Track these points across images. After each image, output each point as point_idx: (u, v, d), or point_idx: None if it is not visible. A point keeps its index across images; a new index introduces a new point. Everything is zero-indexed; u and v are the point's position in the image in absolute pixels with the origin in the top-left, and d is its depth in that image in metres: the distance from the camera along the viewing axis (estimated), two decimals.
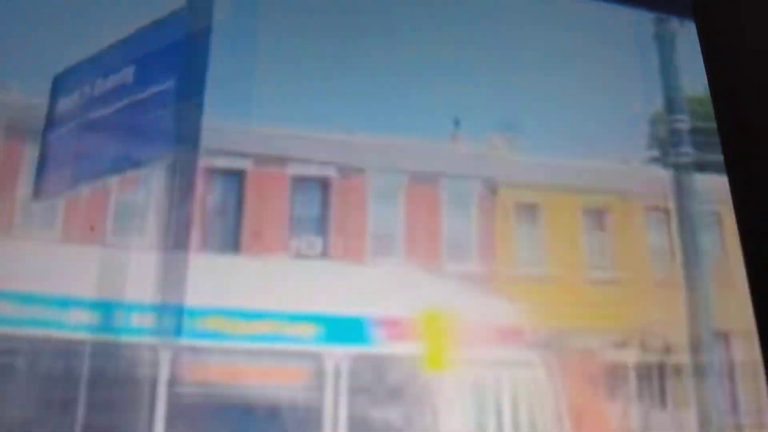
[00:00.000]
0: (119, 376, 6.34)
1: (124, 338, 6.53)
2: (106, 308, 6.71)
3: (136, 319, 6.71)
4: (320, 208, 10.00)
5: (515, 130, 9.75)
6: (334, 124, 9.93)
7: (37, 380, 6.26)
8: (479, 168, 9.67)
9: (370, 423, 6.56)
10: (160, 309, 6.77)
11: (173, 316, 6.68)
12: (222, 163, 10.26)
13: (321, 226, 9.87)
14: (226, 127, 10.30)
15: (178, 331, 6.66)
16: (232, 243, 9.75)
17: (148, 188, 10.17)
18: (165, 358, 6.45)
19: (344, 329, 6.89)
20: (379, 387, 6.63)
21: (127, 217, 10.02)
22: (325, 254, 9.66)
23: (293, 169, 10.14)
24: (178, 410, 6.24)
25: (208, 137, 10.45)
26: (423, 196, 9.72)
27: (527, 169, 9.59)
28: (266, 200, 9.97)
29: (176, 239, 9.96)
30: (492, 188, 9.60)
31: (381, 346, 6.88)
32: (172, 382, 6.43)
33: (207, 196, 10.13)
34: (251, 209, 9.97)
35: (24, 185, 10.20)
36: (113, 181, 10.14)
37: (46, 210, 9.95)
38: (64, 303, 6.82)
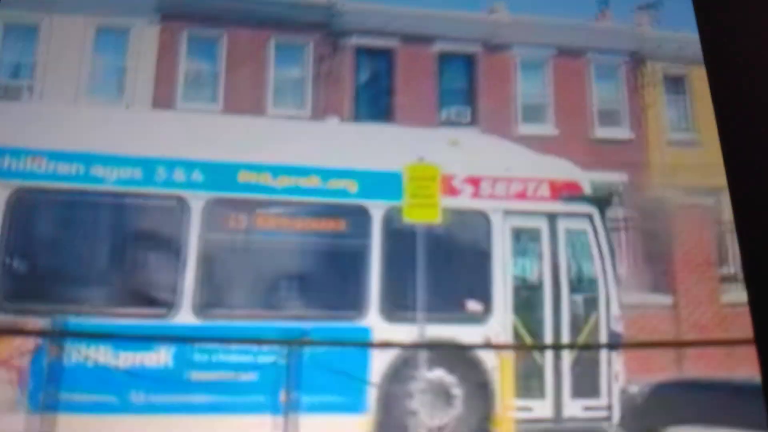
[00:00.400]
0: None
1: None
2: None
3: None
4: (467, 81, 10.53)
5: (660, 6, 10.05)
6: (481, 4, 10.39)
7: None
8: (626, 42, 10.02)
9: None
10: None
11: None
12: (370, 42, 10.84)
13: (469, 97, 10.42)
14: (375, 9, 10.85)
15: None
16: (383, 115, 10.39)
17: (302, 64, 10.84)
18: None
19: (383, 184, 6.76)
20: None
21: (284, 91, 10.73)
22: (473, 123, 10.23)
23: (439, 46, 10.66)
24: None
25: (357, 18, 11.04)
26: (570, 68, 10.15)
27: (673, 42, 9.90)
28: (414, 75, 10.54)
29: (327, 110, 10.64)
30: (639, 60, 9.97)
31: None
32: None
33: (357, 72, 10.75)
34: (400, 83, 10.56)
35: (183, 64, 10.98)
36: (270, 57, 10.84)
37: (208, 85, 10.73)
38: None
